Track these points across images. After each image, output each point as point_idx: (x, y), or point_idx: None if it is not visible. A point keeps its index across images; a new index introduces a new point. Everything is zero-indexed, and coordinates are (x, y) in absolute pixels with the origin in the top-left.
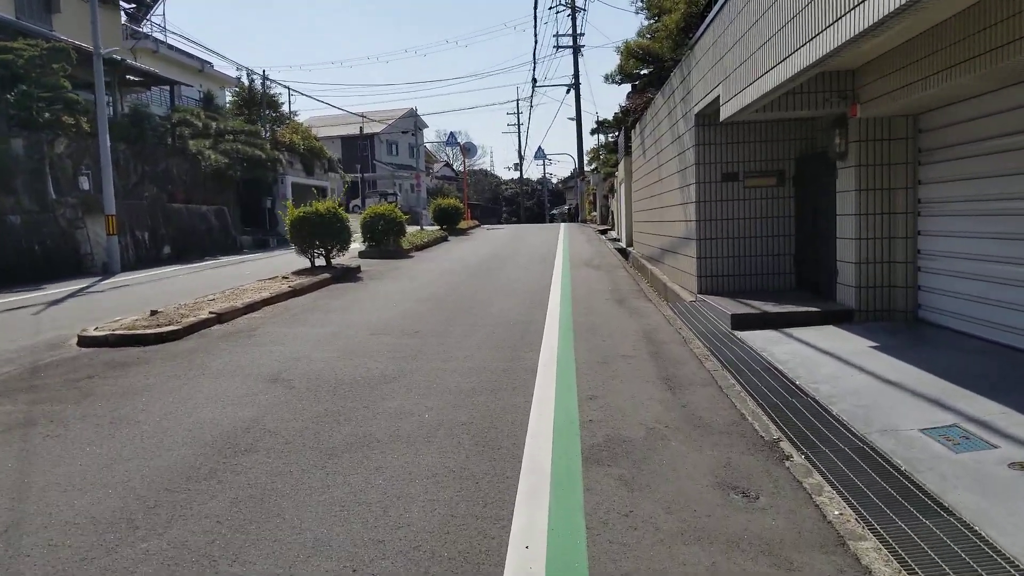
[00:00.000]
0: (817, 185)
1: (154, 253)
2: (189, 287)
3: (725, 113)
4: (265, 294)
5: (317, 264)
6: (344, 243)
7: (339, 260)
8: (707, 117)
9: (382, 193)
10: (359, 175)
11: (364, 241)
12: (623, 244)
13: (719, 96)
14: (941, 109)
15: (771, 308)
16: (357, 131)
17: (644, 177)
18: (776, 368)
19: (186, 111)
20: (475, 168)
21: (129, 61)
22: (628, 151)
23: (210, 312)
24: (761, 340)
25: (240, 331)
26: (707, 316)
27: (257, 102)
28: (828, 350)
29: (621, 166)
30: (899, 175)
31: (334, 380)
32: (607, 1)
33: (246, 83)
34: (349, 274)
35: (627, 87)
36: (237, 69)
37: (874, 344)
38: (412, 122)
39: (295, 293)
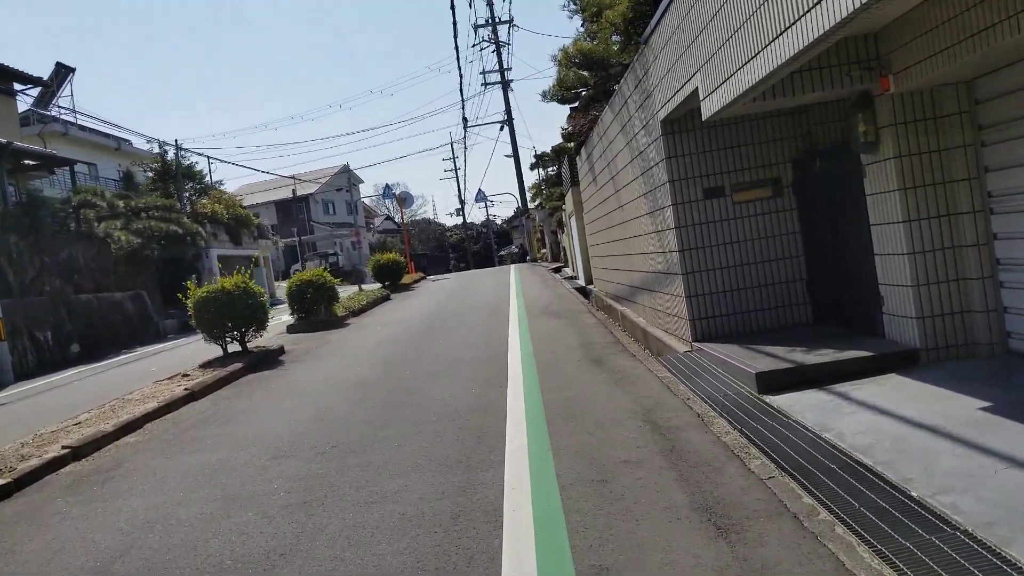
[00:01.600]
0: (829, 190)
1: (59, 354)
2: (74, 399)
3: (709, 110)
4: (152, 404)
5: (231, 351)
6: (260, 323)
7: (258, 342)
8: (676, 123)
9: (322, 254)
10: (296, 238)
11: (292, 313)
12: (581, 282)
13: (696, 89)
14: (1008, 67)
15: (802, 356)
16: (290, 194)
17: (598, 206)
18: (861, 463)
19: (88, 191)
20: (418, 218)
21: (17, 143)
22: (575, 180)
23: (64, 447)
24: (809, 408)
25: (98, 471)
26: (717, 375)
27: (173, 175)
28: (922, 421)
29: (568, 198)
30: (956, 163)
31: (190, 570)
32: (533, 29)
33: (161, 156)
34: (268, 359)
35: (567, 110)
36: (148, 142)
37: (984, 404)
38: (346, 178)
39: (192, 397)
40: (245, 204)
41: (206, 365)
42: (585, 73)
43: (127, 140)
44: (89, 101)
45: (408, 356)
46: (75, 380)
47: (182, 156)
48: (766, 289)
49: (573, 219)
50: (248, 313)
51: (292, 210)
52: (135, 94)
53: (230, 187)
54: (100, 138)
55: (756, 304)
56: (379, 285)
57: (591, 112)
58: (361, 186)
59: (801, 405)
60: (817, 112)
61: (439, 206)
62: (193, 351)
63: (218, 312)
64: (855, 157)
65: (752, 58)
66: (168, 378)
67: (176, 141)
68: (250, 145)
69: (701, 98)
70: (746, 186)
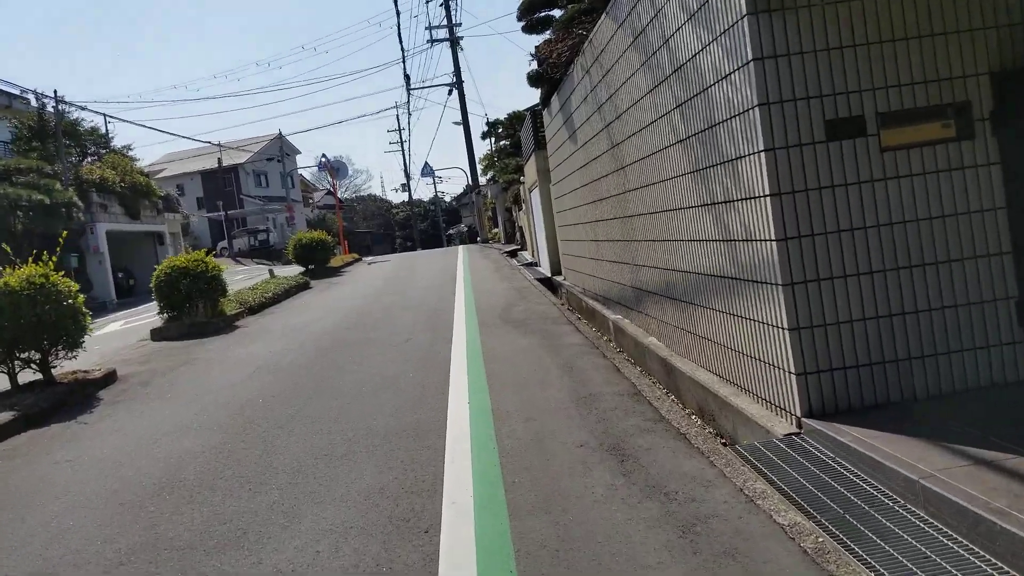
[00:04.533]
0: None
1: None
2: None
3: None
4: None
5: (29, 380)
6: (72, 338)
7: (84, 361)
8: None
9: (252, 231)
10: (222, 213)
11: (160, 312)
12: (545, 271)
13: None
14: None
15: None
16: (217, 164)
17: (577, 172)
18: None
19: None
20: (363, 194)
21: None
22: (540, 143)
23: None
24: None
25: None
26: (941, 542)
27: (51, 133)
28: None
29: (530, 166)
30: None
31: None
32: None
33: (39, 111)
34: (74, 398)
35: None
36: (22, 92)
37: None
38: (278, 147)
39: None
40: (167, 174)
41: None
42: None
43: (23, 97)
44: None
45: (284, 410)
46: None
47: (66, 112)
48: (938, 316)
49: (536, 192)
50: (50, 325)
51: (220, 181)
52: (29, 46)
53: (152, 155)
54: None
55: (921, 344)
56: (301, 269)
57: (576, 31)
58: (299, 157)
59: None
60: None
61: (386, 182)
62: None
63: None
64: None
65: None
66: None
67: (55, 92)
68: (166, 100)
69: None
70: (905, 117)
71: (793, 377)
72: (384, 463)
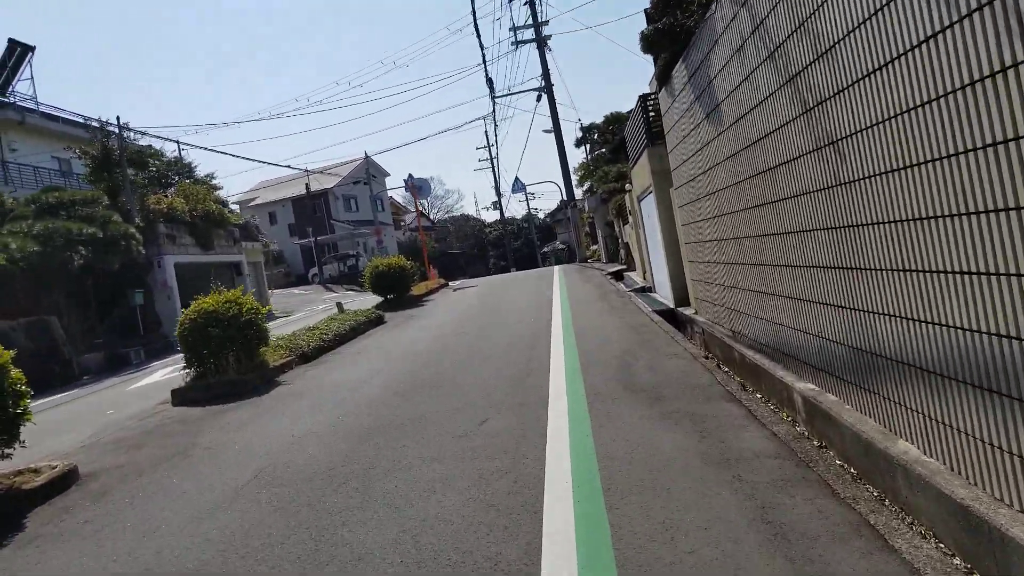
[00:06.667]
0: None
1: None
2: None
3: None
4: None
5: None
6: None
7: (39, 453)
8: None
9: (341, 256)
10: (312, 239)
11: (187, 366)
12: (665, 299)
13: None
14: None
15: None
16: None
17: (726, 163)
18: None
19: None
20: (455, 214)
21: None
22: (655, 137)
23: None
24: None
25: None
26: None
27: (115, 162)
28: None
29: (641, 168)
30: None
31: None
32: None
33: (102, 141)
34: None
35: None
36: (84, 120)
37: None
38: (365, 170)
39: None
40: (260, 202)
41: None
42: None
43: (113, 132)
44: (60, 91)
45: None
46: None
47: (132, 140)
48: None
49: (649, 200)
50: None
51: (310, 207)
52: (115, 83)
53: (244, 184)
54: (73, 129)
55: None
56: (379, 300)
57: None
58: (389, 180)
59: None
60: None
61: (479, 200)
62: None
63: None
64: None
65: None
66: None
67: (118, 119)
68: (248, 120)
69: None
70: None
71: None
72: None
